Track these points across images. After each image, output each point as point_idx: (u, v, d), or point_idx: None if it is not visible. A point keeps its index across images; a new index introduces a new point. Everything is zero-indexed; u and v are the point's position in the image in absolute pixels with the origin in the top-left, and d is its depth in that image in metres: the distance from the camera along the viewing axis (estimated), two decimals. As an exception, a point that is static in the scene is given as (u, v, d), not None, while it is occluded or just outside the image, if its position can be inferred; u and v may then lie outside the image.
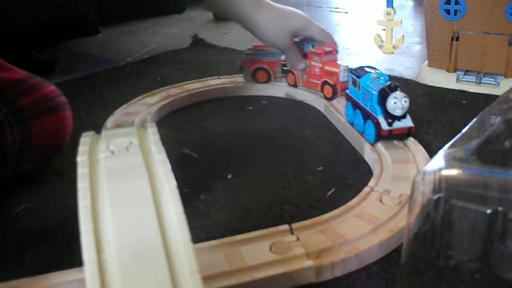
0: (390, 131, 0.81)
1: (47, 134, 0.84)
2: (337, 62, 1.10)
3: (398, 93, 0.80)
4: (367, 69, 0.89)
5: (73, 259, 0.64)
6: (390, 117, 0.81)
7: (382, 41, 1.43)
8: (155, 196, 0.45)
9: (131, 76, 1.41)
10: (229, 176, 0.83)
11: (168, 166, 0.49)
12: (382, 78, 0.84)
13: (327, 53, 1.09)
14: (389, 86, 0.81)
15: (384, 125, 0.81)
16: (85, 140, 0.56)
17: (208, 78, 1.27)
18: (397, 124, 0.82)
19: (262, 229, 0.64)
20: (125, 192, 0.46)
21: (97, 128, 1.03)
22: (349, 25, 2.09)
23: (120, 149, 0.53)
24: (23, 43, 1.45)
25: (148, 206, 0.44)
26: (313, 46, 1.12)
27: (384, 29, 1.42)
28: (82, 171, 0.49)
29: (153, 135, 0.56)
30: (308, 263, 0.59)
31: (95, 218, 0.44)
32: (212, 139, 0.97)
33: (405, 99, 0.80)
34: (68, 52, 1.77)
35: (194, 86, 1.21)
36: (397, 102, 0.80)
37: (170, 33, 2.02)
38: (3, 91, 0.80)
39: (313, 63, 1.12)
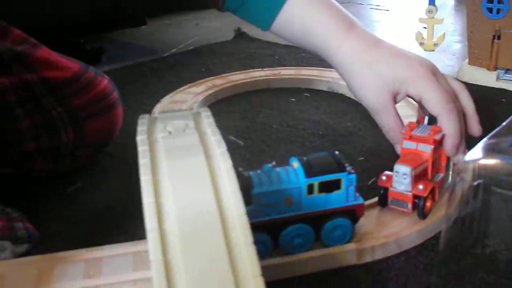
0: None
1: (99, 133, 0.87)
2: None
3: None
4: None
5: (121, 235, 0.68)
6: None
7: (423, 38, 1.45)
8: (212, 174, 0.48)
9: (176, 67, 1.45)
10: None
11: (223, 147, 0.52)
12: None
13: (437, 141, 0.68)
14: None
15: None
16: (143, 121, 0.60)
17: (251, 70, 1.30)
18: None
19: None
20: (184, 168, 0.49)
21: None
22: (389, 23, 2.11)
23: (177, 130, 0.56)
24: (72, 32, 1.50)
25: (206, 182, 0.47)
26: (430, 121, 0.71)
27: (425, 27, 1.44)
28: (142, 148, 0.52)
29: (207, 119, 0.59)
30: (350, 245, 0.62)
31: (156, 191, 0.47)
32: (256, 128, 1.00)
33: None
34: (114, 42, 1.82)
35: (238, 77, 1.24)
36: None
37: (212, 26, 2.05)
38: (56, 90, 0.83)
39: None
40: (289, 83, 1.23)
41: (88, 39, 1.67)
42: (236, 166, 0.52)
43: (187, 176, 0.48)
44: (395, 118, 0.72)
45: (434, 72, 0.70)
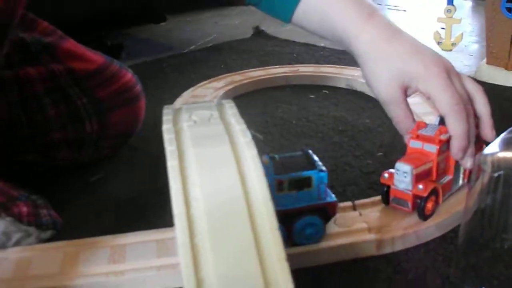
0: None
1: (123, 124, 0.89)
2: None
3: None
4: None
5: (143, 224, 0.70)
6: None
7: (441, 38, 1.46)
8: (237, 161, 0.49)
9: (195, 63, 1.47)
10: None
11: (248, 136, 0.53)
12: None
13: (442, 141, 0.67)
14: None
15: None
16: (168, 111, 0.61)
17: (270, 67, 1.32)
18: None
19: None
20: (210, 155, 0.50)
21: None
22: (407, 23, 2.11)
23: (202, 120, 0.57)
24: (93, 28, 1.51)
25: (232, 168, 0.48)
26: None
27: (442, 27, 1.44)
28: (168, 136, 0.54)
29: (231, 109, 0.60)
30: (370, 236, 0.63)
31: (183, 177, 0.48)
32: (276, 123, 1.01)
33: None
34: (133, 38, 1.83)
35: (257, 73, 1.25)
36: None
37: (231, 24, 2.06)
38: (82, 81, 0.85)
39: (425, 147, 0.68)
40: (307, 80, 1.24)
41: (107, 35, 1.69)
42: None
43: (214, 163, 0.49)
44: (404, 110, 0.70)
45: (448, 71, 0.68)
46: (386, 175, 0.67)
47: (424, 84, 0.67)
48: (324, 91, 1.20)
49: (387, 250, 0.63)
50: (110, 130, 0.87)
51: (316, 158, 0.61)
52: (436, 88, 0.66)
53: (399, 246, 0.64)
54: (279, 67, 1.31)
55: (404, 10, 2.38)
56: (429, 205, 0.65)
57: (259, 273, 0.42)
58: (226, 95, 1.12)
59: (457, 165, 0.69)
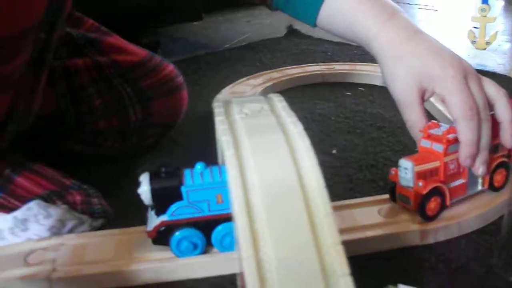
0: None
1: (165, 113, 0.92)
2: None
3: None
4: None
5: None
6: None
7: (475, 37, 1.46)
8: (291, 150, 0.51)
9: (231, 61, 1.49)
10: (334, 152, 0.89)
11: (300, 127, 0.55)
12: None
13: (450, 141, 0.66)
14: None
15: None
16: (219, 104, 0.63)
17: (306, 65, 1.33)
18: None
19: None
20: (265, 144, 0.52)
21: (205, 105, 1.11)
22: (438, 23, 2.11)
23: (253, 112, 0.59)
24: (130, 26, 1.54)
25: (286, 157, 0.50)
26: None
27: (475, 27, 1.45)
28: (223, 127, 0.56)
29: (280, 102, 0.63)
30: (414, 226, 0.64)
31: (240, 165, 0.50)
32: (315, 118, 1.03)
33: None
34: (168, 36, 1.86)
35: (295, 71, 1.28)
36: None
37: (263, 23, 2.08)
38: (126, 73, 0.88)
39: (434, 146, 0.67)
40: (343, 77, 1.26)
41: (144, 33, 1.72)
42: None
43: (268, 151, 0.51)
44: (419, 115, 0.68)
45: (466, 74, 0.66)
46: (393, 172, 0.67)
47: (439, 85, 0.66)
48: (360, 88, 1.21)
49: (430, 240, 0.65)
50: (153, 119, 0.90)
51: None
52: (450, 91, 0.65)
53: (441, 237, 0.65)
54: (315, 65, 1.33)
55: (436, 10, 2.38)
56: (432, 205, 0.65)
57: (316, 257, 0.44)
58: (265, 92, 1.14)
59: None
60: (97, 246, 0.63)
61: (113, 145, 0.89)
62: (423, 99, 0.68)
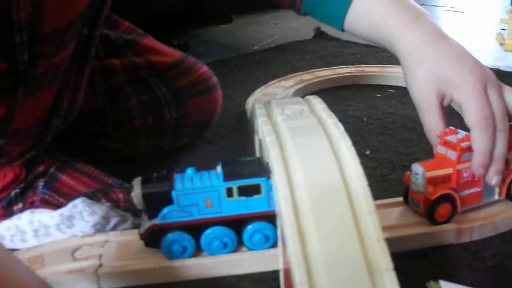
0: None
1: (200, 112, 0.94)
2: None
3: None
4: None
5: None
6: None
7: (503, 39, 1.47)
8: (333, 150, 0.53)
9: (261, 63, 1.51)
10: (367, 152, 0.91)
11: (341, 128, 0.57)
12: None
13: (464, 149, 0.65)
14: None
15: None
16: (260, 105, 0.65)
17: (336, 67, 1.35)
18: None
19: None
20: (308, 144, 0.54)
21: (238, 107, 1.14)
22: (465, 25, 2.11)
23: (294, 113, 0.61)
24: (161, 28, 1.57)
25: (329, 157, 0.52)
26: None
27: (503, 28, 1.46)
28: (266, 128, 0.58)
29: (320, 104, 0.64)
30: (450, 225, 0.66)
31: (285, 164, 0.52)
32: (347, 120, 1.05)
33: None
34: (197, 38, 1.88)
35: (325, 73, 1.29)
36: None
37: (290, 26, 2.09)
38: (162, 73, 0.90)
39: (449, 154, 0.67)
40: (373, 80, 1.28)
41: (173, 35, 1.74)
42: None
43: (312, 151, 0.53)
44: (436, 119, 0.68)
45: (486, 82, 0.65)
46: (406, 175, 0.68)
47: (457, 92, 0.65)
48: (390, 90, 1.23)
49: (466, 239, 0.66)
50: (188, 118, 0.92)
51: (265, 165, 0.62)
52: (467, 98, 0.64)
53: (476, 236, 0.67)
54: (345, 67, 1.34)
55: (462, 12, 2.37)
56: (442, 211, 0.65)
57: (361, 252, 0.46)
58: (296, 94, 1.16)
59: None
60: (141, 242, 0.65)
61: (148, 144, 0.92)
62: (442, 104, 0.68)
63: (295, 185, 0.50)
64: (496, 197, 0.70)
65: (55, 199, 0.73)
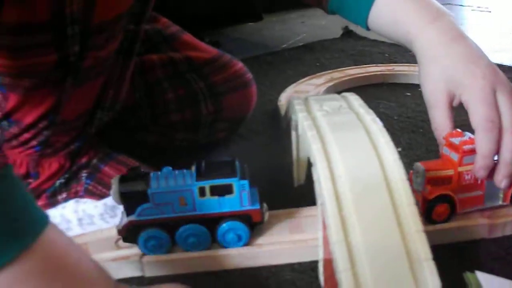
0: None
1: (236, 107, 0.96)
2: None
3: None
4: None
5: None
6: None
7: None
8: (373, 144, 0.55)
9: (290, 61, 1.54)
10: (399, 149, 0.92)
11: (380, 123, 0.59)
12: None
13: (465, 152, 0.66)
14: None
15: None
16: (299, 101, 0.68)
17: (366, 65, 1.37)
18: None
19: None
20: (348, 139, 0.56)
21: (270, 103, 1.16)
22: (491, 24, 2.11)
23: (333, 109, 0.63)
24: (193, 25, 1.59)
25: (369, 150, 0.54)
26: None
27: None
28: (307, 123, 0.60)
29: (357, 101, 0.66)
30: (483, 220, 0.67)
31: (327, 157, 0.54)
32: (379, 117, 1.06)
33: None
34: (226, 36, 1.90)
35: (355, 71, 1.31)
36: None
37: (318, 24, 2.11)
38: (199, 68, 0.92)
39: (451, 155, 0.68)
40: (403, 78, 1.29)
41: (203, 33, 1.76)
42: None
43: (352, 145, 0.55)
44: (443, 118, 0.68)
45: (496, 86, 0.65)
46: (409, 174, 0.68)
47: (465, 93, 0.65)
48: (419, 89, 1.24)
49: (498, 234, 0.68)
50: (224, 113, 0.94)
51: (239, 166, 0.64)
52: (474, 100, 0.64)
53: (509, 231, 0.68)
54: (374, 66, 1.36)
55: (489, 11, 2.37)
56: (440, 210, 0.66)
57: (400, 242, 0.48)
58: (327, 92, 1.18)
59: (493, 183, 0.66)
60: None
61: (184, 137, 0.94)
62: (451, 103, 0.68)
63: (337, 177, 0.52)
64: (500, 202, 0.70)
65: (98, 190, 0.76)
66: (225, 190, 0.63)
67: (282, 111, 1.03)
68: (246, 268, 0.65)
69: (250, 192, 0.64)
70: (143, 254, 0.65)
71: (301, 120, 0.61)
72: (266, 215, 0.66)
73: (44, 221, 0.44)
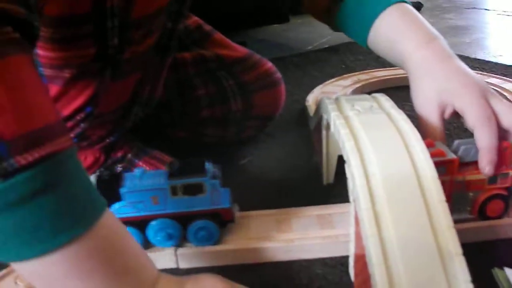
0: None
1: (265, 106, 0.98)
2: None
3: None
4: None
5: (287, 202, 0.77)
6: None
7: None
8: (405, 143, 0.57)
9: (316, 62, 1.55)
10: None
11: (411, 123, 0.60)
12: None
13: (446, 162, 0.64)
14: None
15: None
16: (330, 101, 0.69)
17: (392, 68, 1.38)
18: None
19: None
20: (381, 137, 0.58)
21: (298, 104, 1.18)
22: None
23: (365, 109, 0.65)
24: (221, 26, 1.61)
25: (401, 149, 0.56)
26: None
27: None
28: (340, 121, 0.62)
29: (387, 102, 0.68)
30: (509, 220, 0.69)
31: (360, 155, 0.56)
32: (405, 119, 1.08)
33: None
34: (251, 37, 1.92)
35: (382, 73, 1.32)
36: None
37: (342, 26, 2.12)
38: (229, 67, 0.94)
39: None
40: (428, 81, 1.30)
41: (229, 34, 1.78)
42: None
43: (385, 144, 0.57)
44: (435, 129, 0.69)
45: (487, 94, 0.66)
46: None
47: (459, 100, 0.66)
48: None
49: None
50: (253, 111, 0.96)
51: (210, 166, 0.66)
52: (469, 103, 0.65)
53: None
54: (400, 69, 1.37)
55: (515, 16, 2.36)
56: None
57: (432, 237, 0.49)
58: (354, 93, 1.20)
59: (461, 196, 0.67)
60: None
61: (215, 133, 0.97)
62: (442, 116, 0.69)
63: (370, 174, 0.54)
64: (467, 215, 0.69)
65: (133, 184, 0.78)
66: (196, 189, 0.65)
67: (310, 112, 1.05)
68: (278, 262, 0.67)
69: (221, 191, 0.66)
70: (178, 246, 0.67)
71: (333, 119, 0.63)
72: (237, 214, 0.69)
73: (104, 204, 0.47)
